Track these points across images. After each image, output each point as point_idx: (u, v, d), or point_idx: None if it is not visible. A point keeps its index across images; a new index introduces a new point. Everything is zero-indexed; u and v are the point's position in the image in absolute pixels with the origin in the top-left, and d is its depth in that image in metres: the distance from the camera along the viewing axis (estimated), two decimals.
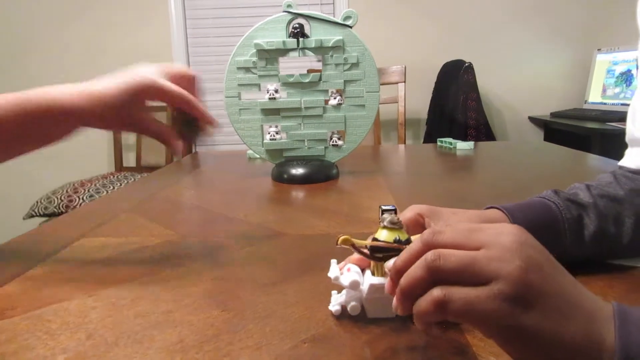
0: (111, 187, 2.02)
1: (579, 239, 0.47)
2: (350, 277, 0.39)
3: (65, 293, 0.46)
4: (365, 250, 0.39)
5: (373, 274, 0.39)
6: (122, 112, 0.51)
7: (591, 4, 2.61)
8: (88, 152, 2.75)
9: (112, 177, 2.20)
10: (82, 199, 1.93)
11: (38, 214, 1.93)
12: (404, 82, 2.22)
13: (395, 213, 0.68)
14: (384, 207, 0.68)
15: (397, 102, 2.20)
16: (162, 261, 0.55)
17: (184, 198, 0.90)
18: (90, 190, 1.98)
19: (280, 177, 1.00)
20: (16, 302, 0.44)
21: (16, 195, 2.79)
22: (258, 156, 1.34)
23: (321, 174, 0.99)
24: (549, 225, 0.47)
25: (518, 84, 2.69)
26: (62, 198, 1.94)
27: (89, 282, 0.49)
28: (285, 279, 0.48)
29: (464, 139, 2.28)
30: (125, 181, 2.12)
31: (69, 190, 1.99)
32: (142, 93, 0.53)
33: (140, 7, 2.67)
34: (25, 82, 2.71)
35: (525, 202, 0.50)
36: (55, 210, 1.91)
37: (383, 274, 0.38)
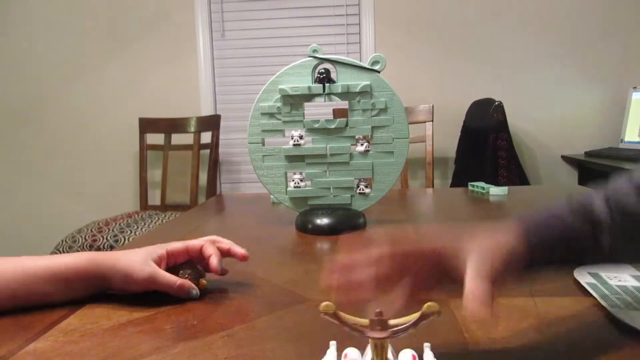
0: (135, 227, 2.00)
1: (595, 253, 0.45)
2: None
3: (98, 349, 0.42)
4: (357, 326, 0.33)
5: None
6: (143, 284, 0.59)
7: (625, 41, 2.55)
8: (114, 190, 2.77)
9: (136, 215, 2.19)
10: (107, 238, 1.92)
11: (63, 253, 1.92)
12: (432, 121, 2.18)
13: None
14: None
15: (425, 142, 2.16)
16: (175, 333, 0.50)
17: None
18: (115, 230, 1.97)
19: (304, 228, 0.95)
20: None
21: (41, 234, 2.82)
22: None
23: (347, 223, 0.94)
24: (566, 245, 0.45)
25: (550, 122, 2.61)
26: (87, 237, 1.93)
27: (98, 357, 0.45)
28: (310, 358, 0.43)
29: (495, 179, 2.21)
30: (150, 220, 2.11)
31: (93, 229, 1.98)
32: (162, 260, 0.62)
33: (169, 49, 2.72)
34: (57, 124, 2.77)
35: (544, 221, 0.47)
36: (79, 249, 1.90)
37: None
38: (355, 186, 0.98)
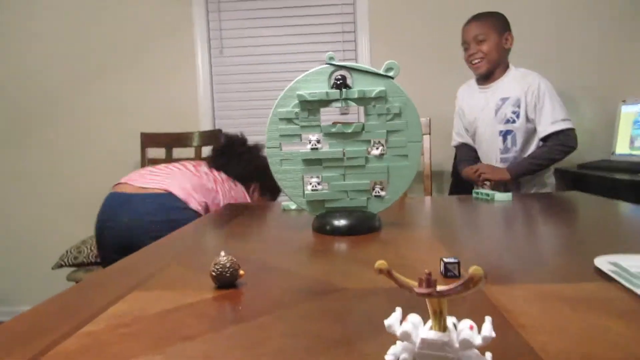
0: None
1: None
2: (403, 327, 0.37)
3: (130, 350, 0.43)
4: (406, 284, 0.36)
5: (431, 328, 0.36)
6: None
7: (615, 56, 2.64)
8: None
9: None
10: None
11: (67, 264, 1.91)
12: (429, 134, 2.23)
13: (459, 266, 0.65)
14: (445, 260, 0.65)
15: (422, 154, 2.20)
16: (222, 317, 0.52)
17: (226, 248, 0.87)
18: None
19: (322, 229, 0.97)
20: None
21: (46, 246, 2.80)
22: (293, 208, 1.32)
23: (365, 225, 0.97)
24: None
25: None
26: (92, 248, 1.93)
27: (152, 337, 0.46)
28: (360, 336, 0.45)
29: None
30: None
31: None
32: None
33: (169, 65, 2.75)
34: (59, 137, 2.77)
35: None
36: (84, 260, 1.89)
37: (442, 328, 0.35)
38: (371, 189, 1.01)
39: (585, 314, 0.50)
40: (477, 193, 1.42)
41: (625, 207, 1.20)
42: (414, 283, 0.36)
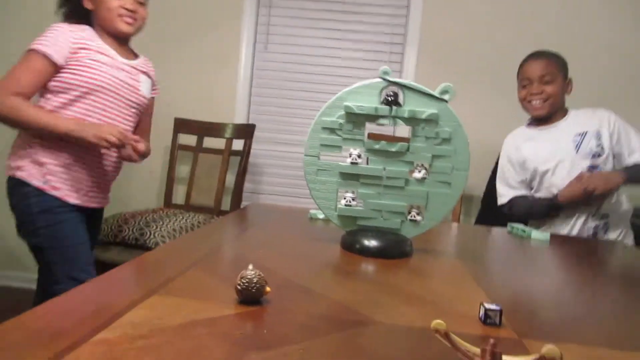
0: (161, 223, 2.00)
1: None
2: None
3: None
4: (465, 351, 0.31)
5: None
6: None
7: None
8: (139, 184, 2.77)
9: (161, 212, 2.18)
10: (132, 230, 1.91)
11: None
12: None
13: (501, 314, 0.60)
14: (487, 306, 0.60)
15: None
16: (245, 340, 0.49)
17: (250, 257, 0.84)
18: (140, 223, 1.96)
19: (352, 247, 0.93)
20: None
21: None
22: (321, 217, 1.29)
23: (396, 249, 0.93)
24: None
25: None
26: (113, 227, 1.93)
27: (170, 355, 0.43)
28: None
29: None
30: (175, 218, 2.10)
31: (119, 220, 1.98)
32: None
33: (212, 55, 2.75)
34: None
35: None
36: (104, 238, 1.89)
37: None
38: (407, 212, 0.96)
39: None
40: (512, 228, 1.36)
41: None
42: (474, 350, 0.32)
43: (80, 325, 0.48)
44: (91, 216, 1.58)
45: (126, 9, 1.51)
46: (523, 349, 0.52)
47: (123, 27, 1.51)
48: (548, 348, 0.29)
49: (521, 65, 1.89)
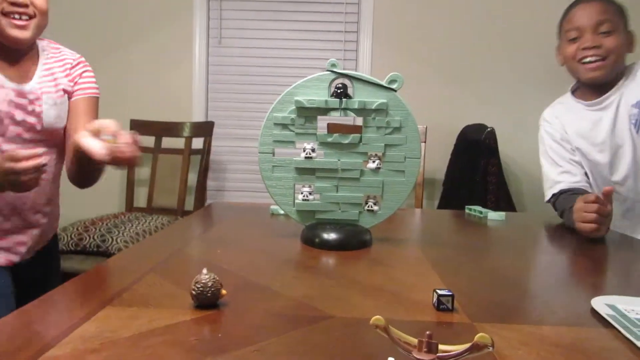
0: (123, 228, 1.96)
1: None
2: None
3: None
4: (403, 344, 0.33)
5: None
6: None
7: None
8: (99, 189, 2.69)
9: (123, 216, 2.14)
10: (93, 238, 1.87)
11: None
12: (425, 142, 2.20)
13: (452, 299, 0.62)
14: (439, 292, 0.62)
15: None
16: (201, 345, 0.49)
17: (209, 258, 0.84)
18: (101, 229, 1.92)
19: (311, 241, 0.94)
20: None
21: None
22: (282, 212, 1.29)
23: (355, 240, 0.94)
24: None
25: (537, 150, 2.66)
26: (73, 236, 1.88)
27: None
28: None
29: (483, 203, 2.23)
30: (137, 222, 2.06)
31: (79, 228, 1.93)
32: None
33: (165, 52, 2.69)
34: None
35: None
36: (64, 247, 1.84)
37: None
38: (364, 203, 0.97)
39: None
40: (470, 209, 1.40)
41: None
42: (412, 341, 0.33)
43: (27, 345, 0.47)
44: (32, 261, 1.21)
45: (12, 2, 1.02)
46: (474, 332, 0.54)
47: (13, 32, 1.04)
48: (480, 335, 0.30)
49: (566, 13, 1.39)
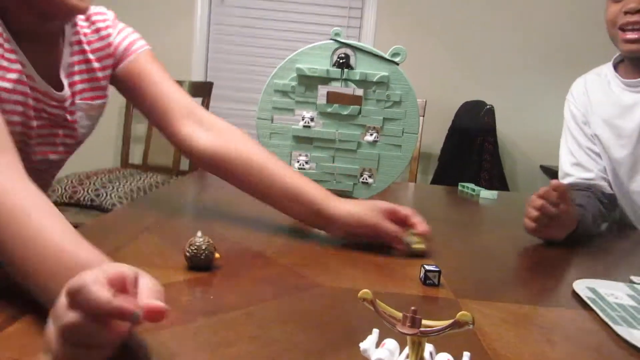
0: (117, 183, 1.96)
1: None
2: (378, 353, 0.36)
3: None
4: (388, 317, 0.34)
5: (407, 357, 0.34)
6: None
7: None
8: (94, 143, 2.69)
9: (117, 172, 2.14)
10: (87, 192, 1.87)
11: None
12: (423, 116, 2.20)
13: (439, 275, 0.63)
14: (427, 267, 0.63)
15: None
16: (192, 306, 0.50)
17: (204, 221, 0.85)
18: (96, 184, 1.92)
19: None
20: (27, 347, 0.39)
21: None
22: None
23: None
24: None
25: (533, 131, 2.67)
26: (67, 188, 1.88)
27: None
28: (334, 348, 0.44)
29: (477, 181, 2.25)
30: (132, 178, 2.06)
31: (74, 181, 1.93)
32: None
33: (165, 9, 2.64)
34: None
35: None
36: (58, 199, 1.84)
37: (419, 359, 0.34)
38: (359, 175, 0.98)
39: (560, 346, 0.49)
40: (463, 186, 1.41)
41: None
42: (397, 315, 0.34)
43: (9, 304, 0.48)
44: None
45: None
46: (458, 309, 0.56)
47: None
48: (461, 313, 0.31)
49: None
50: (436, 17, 2.63)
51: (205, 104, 2.45)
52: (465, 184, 1.41)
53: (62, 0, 0.65)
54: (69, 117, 0.79)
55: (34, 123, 0.73)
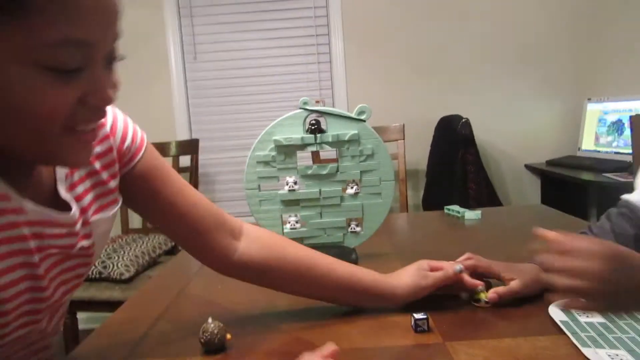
0: (122, 252, 2.03)
1: None
2: None
3: None
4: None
5: None
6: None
7: (578, 56, 2.72)
8: None
9: (120, 240, 2.21)
10: (95, 265, 1.94)
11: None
12: (403, 139, 2.28)
13: (428, 322, 0.71)
14: (416, 317, 0.71)
15: (397, 159, 2.26)
16: None
17: (210, 296, 0.92)
18: (102, 256, 1.99)
19: None
20: None
21: None
22: None
23: (343, 260, 1.02)
24: None
25: (513, 134, 2.76)
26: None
27: None
28: None
29: (465, 191, 2.33)
30: (135, 244, 2.13)
31: None
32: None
33: (143, 73, 2.74)
34: None
35: None
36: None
37: None
38: (347, 225, 1.06)
39: None
40: (449, 209, 1.49)
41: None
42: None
43: None
44: None
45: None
46: (447, 353, 0.63)
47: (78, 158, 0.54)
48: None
49: None
50: (401, 39, 2.73)
51: (195, 160, 2.53)
52: (450, 207, 1.49)
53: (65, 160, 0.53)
54: (84, 243, 0.60)
55: (41, 271, 0.55)
